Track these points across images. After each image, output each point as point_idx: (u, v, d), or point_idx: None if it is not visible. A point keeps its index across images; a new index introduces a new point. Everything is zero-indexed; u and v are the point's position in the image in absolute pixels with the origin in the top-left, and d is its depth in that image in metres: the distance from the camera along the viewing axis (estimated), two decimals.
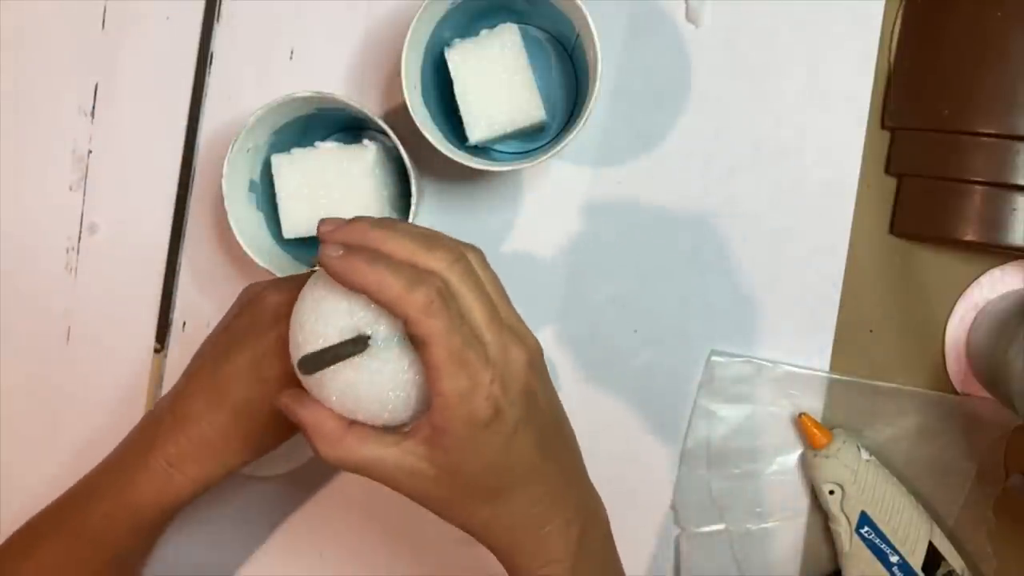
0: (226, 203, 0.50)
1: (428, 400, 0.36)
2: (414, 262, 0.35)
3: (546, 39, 0.57)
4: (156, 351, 0.59)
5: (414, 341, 0.35)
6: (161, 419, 0.46)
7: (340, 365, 0.37)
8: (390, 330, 0.37)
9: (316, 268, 0.48)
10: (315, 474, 0.58)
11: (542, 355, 0.39)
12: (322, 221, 0.37)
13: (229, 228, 0.50)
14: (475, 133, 0.51)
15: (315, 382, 0.38)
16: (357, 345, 0.37)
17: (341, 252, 0.35)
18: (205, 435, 0.44)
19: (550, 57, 0.57)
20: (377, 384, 0.37)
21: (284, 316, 0.42)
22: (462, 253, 0.37)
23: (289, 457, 0.56)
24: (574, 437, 0.43)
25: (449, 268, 0.36)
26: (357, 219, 0.37)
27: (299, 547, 0.58)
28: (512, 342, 0.37)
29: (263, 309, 0.44)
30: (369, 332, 0.37)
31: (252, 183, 0.53)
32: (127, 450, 0.47)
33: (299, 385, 0.40)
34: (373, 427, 0.37)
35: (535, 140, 0.57)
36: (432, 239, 0.37)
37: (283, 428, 0.45)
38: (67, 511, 0.48)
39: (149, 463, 0.45)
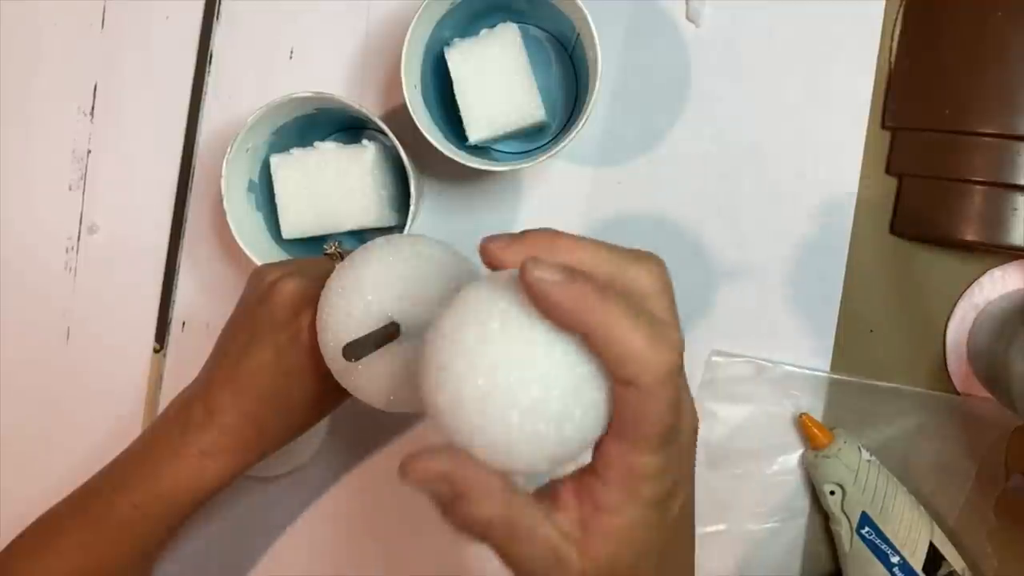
0: (225, 203, 0.50)
1: None
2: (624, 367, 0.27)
3: (546, 39, 0.57)
4: (155, 351, 0.59)
5: (624, 396, 0.27)
6: (191, 410, 0.46)
7: (377, 352, 0.37)
8: (411, 317, 0.38)
9: (329, 252, 0.49)
10: (315, 474, 0.58)
11: None
12: (489, 239, 0.30)
13: (228, 228, 0.50)
14: (475, 133, 0.51)
15: (353, 368, 0.38)
16: (392, 330, 0.37)
17: (560, 277, 0.27)
18: (237, 425, 0.45)
19: (550, 57, 0.57)
20: (412, 369, 0.36)
21: (302, 307, 0.43)
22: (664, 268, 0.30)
23: (289, 457, 0.56)
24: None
25: (661, 292, 0.29)
26: (536, 231, 0.30)
27: (299, 547, 0.58)
28: (687, 397, 0.31)
29: (281, 301, 0.44)
30: (398, 319, 0.38)
31: (251, 183, 0.52)
32: (154, 442, 0.47)
33: (320, 375, 0.41)
34: (526, 490, 0.30)
35: (535, 140, 0.57)
36: (634, 255, 0.30)
37: (308, 415, 0.47)
38: (89, 503, 0.48)
39: (181, 453, 0.45)
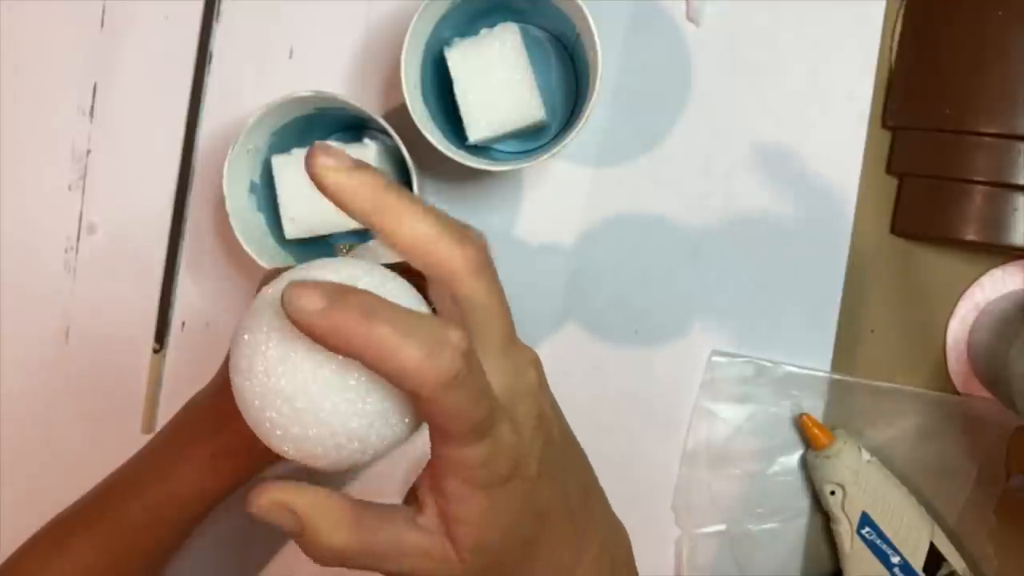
0: (227, 205, 0.50)
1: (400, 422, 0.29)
2: (430, 258, 0.28)
3: (546, 38, 0.57)
4: (155, 351, 0.58)
5: (417, 403, 0.26)
6: (202, 414, 0.46)
7: None
8: None
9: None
10: (314, 473, 0.58)
11: (541, 365, 0.33)
12: (321, 151, 0.27)
13: (229, 228, 0.50)
14: (475, 133, 0.51)
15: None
16: None
17: (322, 305, 0.25)
18: (247, 429, 0.44)
19: (550, 57, 0.57)
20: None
21: None
22: (489, 256, 0.29)
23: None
24: (583, 450, 0.36)
25: (477, 273, 0.29)
26: (365, 171, 0.28)
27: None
28: (523, 365, 0.30)
29: None
30: None
31: (252, 184, 0.52)
32: (166, 445, 0.47)
33: None
34: (379, 504, 0.29)
35: (535, 140, 0.57)
36: (459, 230, 0.29)
37: None
38: (101, 504, 0.48)
39: (193, 455, 0.45)
